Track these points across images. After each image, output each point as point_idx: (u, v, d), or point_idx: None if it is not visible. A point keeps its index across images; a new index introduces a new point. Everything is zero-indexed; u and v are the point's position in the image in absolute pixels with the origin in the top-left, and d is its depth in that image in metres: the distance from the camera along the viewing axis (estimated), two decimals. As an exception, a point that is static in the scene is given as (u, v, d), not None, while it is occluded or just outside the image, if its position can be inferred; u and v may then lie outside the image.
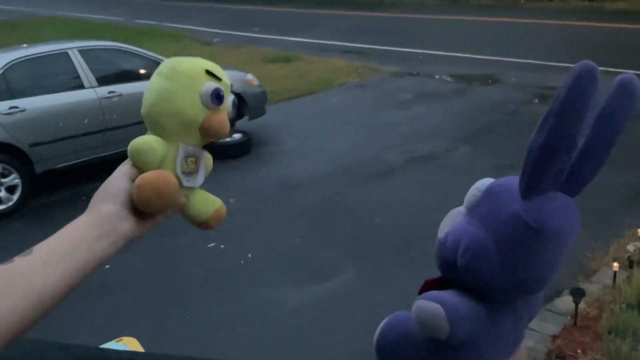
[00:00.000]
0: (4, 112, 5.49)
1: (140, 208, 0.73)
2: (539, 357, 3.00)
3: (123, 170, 0.76)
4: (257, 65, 10.84)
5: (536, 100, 8.11)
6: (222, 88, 0.80)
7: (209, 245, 4.55)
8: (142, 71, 6.49)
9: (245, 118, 7.27)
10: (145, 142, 0.77)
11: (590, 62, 0.59)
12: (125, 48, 6.57)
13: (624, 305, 3.36)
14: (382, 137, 7.04)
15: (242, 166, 6.42)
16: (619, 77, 0.63)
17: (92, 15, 21.29)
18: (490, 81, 9.56)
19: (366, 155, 6.44)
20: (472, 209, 0.64)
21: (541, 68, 9.88)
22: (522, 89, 8.77)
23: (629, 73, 0.64)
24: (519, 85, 8.98)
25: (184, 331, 3.50)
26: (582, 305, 3.37)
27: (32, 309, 0.61)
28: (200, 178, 0.84)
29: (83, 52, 6.07)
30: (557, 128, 0.59)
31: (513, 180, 0.64)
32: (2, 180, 5.48)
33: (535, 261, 0.60)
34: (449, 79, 10.03)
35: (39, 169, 5.72)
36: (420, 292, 0.71)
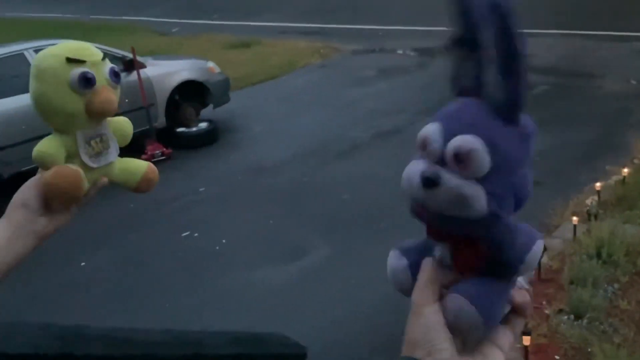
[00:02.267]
0: (-37, 118, 5.41)
1: (53, 203, 0.80)
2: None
3: (33, 180, 0.83)
4: (218, 53, 10.79)
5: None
6: (88, 69, 0.81)
7: (182, 235, 4.59)
8: (101, 67, 6.43)
9: (210, 106, 7.28)
10: (38, 151, 0.83)
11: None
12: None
13: (584, 256, 3.53)
14: (346, 116, 7.12)
15: (210, 154, 6.45)
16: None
17: (46, 14, 20.79)
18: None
19: (332, 134, 6.52)
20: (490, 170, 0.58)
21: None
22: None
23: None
24: (478, 54, 9.10)
25: (162, 318, 3.56)
26: (544, 259, 3.53)
27: None
28: (112, 153, 0.88)
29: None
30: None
31: (473, 117, 0.60)
32: (-32, 187, 5.42)
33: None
34: (411, 53, 10.13)
35: (5, 173, 5.66)
36: (462, 268, 0.63)
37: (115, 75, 0.85)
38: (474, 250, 0.60)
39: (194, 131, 6.86)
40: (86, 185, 0.83)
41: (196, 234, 4.61)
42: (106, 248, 4.50)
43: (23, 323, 1.05)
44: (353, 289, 3.63)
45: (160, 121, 6.72)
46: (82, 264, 4.27)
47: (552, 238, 3.87)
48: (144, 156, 6.08)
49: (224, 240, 4.46)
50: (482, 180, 0.56)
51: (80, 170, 0.82)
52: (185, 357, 1.21)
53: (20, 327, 1.04)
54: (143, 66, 6.50)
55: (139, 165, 0.92)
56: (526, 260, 0.59)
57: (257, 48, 11.62)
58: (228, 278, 3.94)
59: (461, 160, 0.56)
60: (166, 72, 6.83)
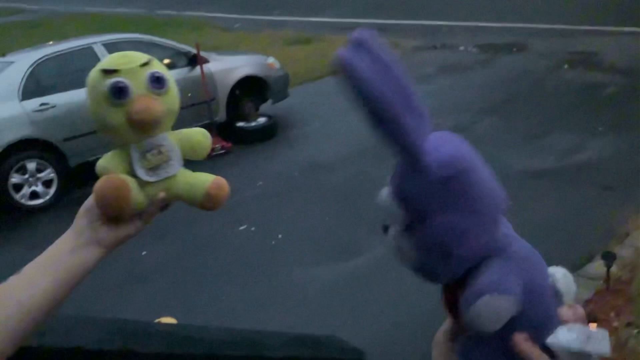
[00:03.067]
0: (35, 109, 5.65)
1: (101, 212, 0.77)
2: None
3: None
4: (279, 48, 10.85)
5: (566, 66, 7.95)
6: (121, 78, 0.76)
7: (240, 228, 4.64)
8: (166, 61, 6.58)
9: (269, 102, 7.33)
10: (98, 164, 0.80)
11: (340, 54, 0.55)
12: (149, 39, 6.67)
13: (656, 268, 3.34)
14: (406, 113, 7.00)
15: (268, 150, 6.49)
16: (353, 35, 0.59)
17: (114, 9, 21.52)
18: (515, 49, 9.39)
19: (391, 132, 6.42)
20: (407, 220, 0.60)
21: (569, 33, 9.65)
22: (548, 56, 8.59)
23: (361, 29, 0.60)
24: (545, 52, 8.80)
25: (218, 312, 3.60)
26: (614, 269, 3.35)
27: (23, 323, 0.69)
28: (174, 165, 0.81)
29: (107, 46, 6.18)
30: (376, 109, 0.56)
31: (397, 171, 0.62)
32: (38, 175, 5.67)
33: (483, 189, 0.58)
34: (473, 49, 9.88)
35: (73, 162, 5.88)
36: (450, 308, 0.66)
37: (156, 80, 0.78)
38: (449, 292, 0.64)
39: (253, 126, 6.92)
40: (138, 197, 0.78)
41: (253, 228, 4.65)
42: (167, 239, 4.59)
43: (86, 317, 1.06)
44: (408, 292, 3.55)
45: (221, 115, 6.82)
46: (144, 253, 4.38)
47: (622, 247, 3.68)
48: (204, 149, 6.17)
49: (280, 236, 4.47)
50: (408, 229, 0.61)
51: (129, 180, 0.77)
52: (244, 358, 1.20)
53: (83, 321, 1.05)
54: (206, 61, 6.61)
55: (204, 180, 0.83)
56: (469, 314, 0.58)
57: (317, 44, 11.62)
58: (283, 274, 3.95)
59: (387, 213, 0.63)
60: (228, 67, 6.92)
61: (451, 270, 0.61)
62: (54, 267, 0.73)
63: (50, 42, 6.72)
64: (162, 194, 0.81)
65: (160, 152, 0.80)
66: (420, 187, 0.59)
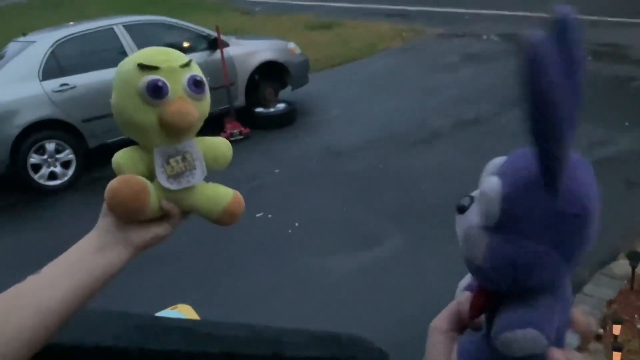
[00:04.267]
0: (55, 89, 5.65)
1: (113, 211, 0.71)
2: (594, 322, 2.94)
3: None
4: (299, 33, 10.77)
5: (589, 58, 7.77)
6: (161, 77, 0.71)
7: (257, 215, 4.61)
8: (186, 44, 6.55)
9: (289, 88, 7.27)
10: (114, 160, 0.73)
11: (532, 38, 0.50)
12: (169, 22, 6.63)
13: (683, 268, 3.24)
14: (427, 102, 6.92)
15: (287, 136, 6.44)
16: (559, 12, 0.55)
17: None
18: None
19: (412, 121, 6.35)
20: (499, 224, 0.56)
21: (594, 24, 9.43)
22: (574, 46, 8.39)
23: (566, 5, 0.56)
24: (570, 43, 8.60)
25: (235, 299, 3.58)
26: (639, 269, 3.27)
27: (41, 326, 0.63)
28: (197, 175, 0.76)
29: (128, 27, 6.16)
30: (547, 114, 0.51)
31: (522, 177, 0.56)
32: (57, 155, 5.68)
33: (588, 238, 0.56)
34: (496, 38, 9.71)
35: (91, 144, 5.89)
36: (472, 313, 0.63)
37: (195, 85, 0.73)
38: (481, 295, 0.61)
39: (272, 112, 6.87)
40: (154, 204, 0.73)
41: (270, 215, 4.62)
42: (184, 223, 4.57)
43: (102, 312, 1.03)
44: (427, 284, 3.50)
45: (240, 100, 6.78)
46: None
47: (648, 246, 3.59)
48: (223, 134, 6.16)
49: (296, 224, 4.44)
50: (491, 230, 0.56)
51: (149, 185, 0.72)
52: (264, 358, 1.16)
53: (100, 316, 1.02)
54: (226, 45, 6.56)
55: (223, 195, 0.78)
56: (499, 338, 0.56)
57: (338, 29, 11.51)
58: (300, 262, 3.92)
59: (480, 200, 0.57)
60: (248, 51, 6.86)
61: (508, 288, 0.58)
62: (76, 269, 0.67)
63: (72, 23, 6.70)
64: (174, 209, 0.75)
65: (184, 159, 0.75)
66: (538, 211, 0.54)
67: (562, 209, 0.53)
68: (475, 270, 0.59)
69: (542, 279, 0.56)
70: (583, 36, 0.53)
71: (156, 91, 0.70)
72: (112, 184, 0.70)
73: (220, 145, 0.80)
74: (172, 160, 0.74)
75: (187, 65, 0.74)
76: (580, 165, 0.56)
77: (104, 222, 0.71)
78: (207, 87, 0.76)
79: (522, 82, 0.50)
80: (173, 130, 0.72)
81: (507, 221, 0.54)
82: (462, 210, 0.60)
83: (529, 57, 0.49)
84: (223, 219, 0.78)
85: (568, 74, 0.52)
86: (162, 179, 0.73)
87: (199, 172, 0.76)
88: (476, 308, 0.62)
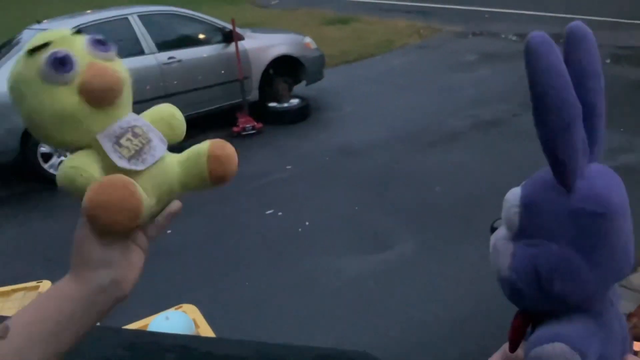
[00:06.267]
0: (68, 79, 5.61)
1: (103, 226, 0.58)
2: None
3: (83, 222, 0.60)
4: (315, 28, 10.67)
5: (608, 61, 7.60)
6: (57, 49, 0.59)
7: (267, 212, 4.54)
8: (201, 36, 6.48)
9: (303, 83, 7.18)
10: (66, 171, 0.60)
11: (537, 34, 0.54)
12: (184, 13, 6.56)
13: None
14: (443, 102, 6.80)
15: (300, 132, 6.36)
16: (568, 26, 0.61)
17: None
18: (560, 40, 9.01)
19: (427, 120, 6.24)
20: (521, 230, 0.58)
21: (614, 26, 9.24)
22: (595, 48, 8.23)
23: (577, 20, 0.62)
24: (592, 45, 8.43)
25: (242, 297, 3.51)
26: (663, 280, 3.16)
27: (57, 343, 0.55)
28: (158, 145, 0.65)
29: (142, 18, 6.10)
30: (551, 107, 0.54)
31: (539, 178, 0.60)
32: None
33: (617, 243, 0.56)
34: (515, 38, 9.55)
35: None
36: (512, 336, 0.64)
37: (99, 43, 0.62)
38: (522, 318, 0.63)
39: (285, 107, 6.79)
40: (144, 194, 0.60)
41: (280, 213, 4.54)
42: (193, 218, 4.52)
43: (102, 328, 0.95)
44: (440, 289, 3.41)
45: (253, 94, 6.70)
46: (169, 231, 4.30)
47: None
48: (235, 128, 6.09)
49: (307, 223, 4.36)
50: (515, 238, 0.59)
51: (131, 180, 0.60)
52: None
53: (91, 333, 0.94)
54: (241, 38, 6.48)
55: (199, 148, 0.67)
56: (529, 356, 0.56)
57: (355, 25, 11.40)
58: (308, 263, 3.84)
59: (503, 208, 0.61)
60: (263, 45, 6.78)
61: (539, 301, 0.58)
62: (61, 333, 0.58)
63: (88, 11, 6.66)
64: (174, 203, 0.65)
65: (135, 135, 0.63)
66: (554, 209, 0.56)
67: (580, 206, 0.54)
68: (504, 283, 0.60)
69: (566, 288, 0.55)
70: (596, 45, 0.58)
71: (61, 63, 0.58)
72: (90, 194, 0.57)
73: (164, 109, 0.69)
74: (122, 141, 0.62)
75: (78, 33, 0.63)
76: (602, 169, 0.59)
77: (98, 279, 0.59)
78: (114, 47, 0.64)
79: (531, 79, 0.54)
80: (101, 97, 0.60)
81: (527, 224, 0.57)
82: (492, 230, 0.64)
83: (530, 56, 0.54)
84: (215, 168, 0.66)
85: (582, 81, 0.57)
86: (123, 163, 0.61)
87: (158, 142, 0.65)
88: (515, 330, 0.63)
